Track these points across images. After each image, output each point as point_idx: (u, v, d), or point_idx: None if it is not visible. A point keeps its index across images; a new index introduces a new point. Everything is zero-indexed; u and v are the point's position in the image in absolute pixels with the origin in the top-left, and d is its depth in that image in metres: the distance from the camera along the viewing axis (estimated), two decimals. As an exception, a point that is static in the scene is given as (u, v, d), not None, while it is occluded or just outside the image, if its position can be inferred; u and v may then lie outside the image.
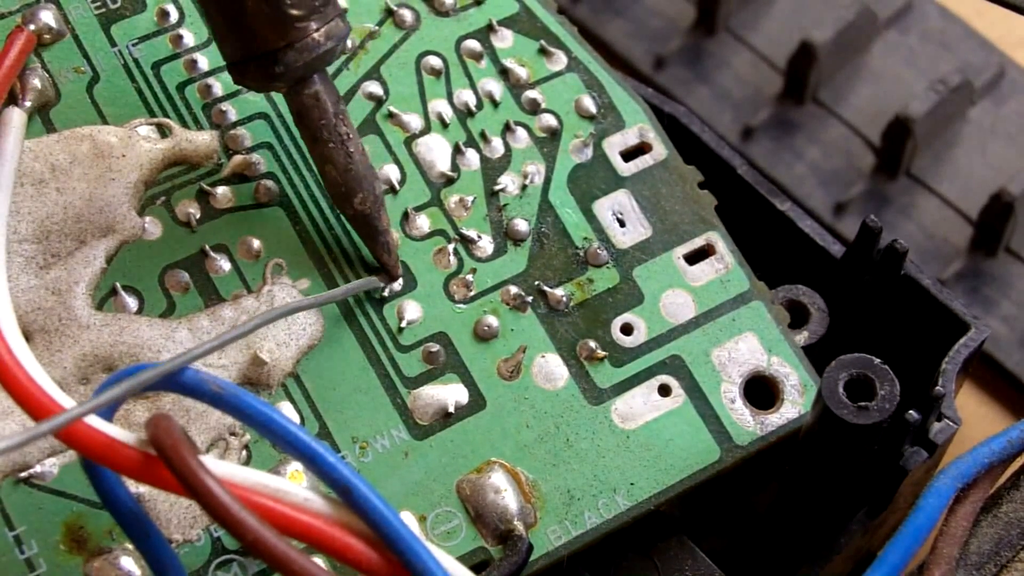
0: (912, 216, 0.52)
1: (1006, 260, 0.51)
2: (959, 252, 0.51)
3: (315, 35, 0.37)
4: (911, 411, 0.37)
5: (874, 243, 0.42)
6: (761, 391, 0.40)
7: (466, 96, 0.42)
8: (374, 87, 0.42)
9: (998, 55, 0.54)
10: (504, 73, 0.42)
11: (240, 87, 0.41)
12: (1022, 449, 0.36)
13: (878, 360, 0.37)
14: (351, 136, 0.38)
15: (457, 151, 0.41)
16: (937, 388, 0.39)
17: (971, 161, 0.52)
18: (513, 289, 0.40)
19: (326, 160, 0.38)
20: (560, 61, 0.43)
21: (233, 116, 0.41)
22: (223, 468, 0.31)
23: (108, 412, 0.32)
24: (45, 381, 0.32)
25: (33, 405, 0.32)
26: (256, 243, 0.39)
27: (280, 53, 0.37)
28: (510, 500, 0.37)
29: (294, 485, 0.31)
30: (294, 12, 0.36)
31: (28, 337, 0.37)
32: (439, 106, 0.42)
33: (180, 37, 0.41)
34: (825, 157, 0.52)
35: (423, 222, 0.40)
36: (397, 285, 0.39)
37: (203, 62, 0.41)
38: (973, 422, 0.49)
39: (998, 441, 0.36)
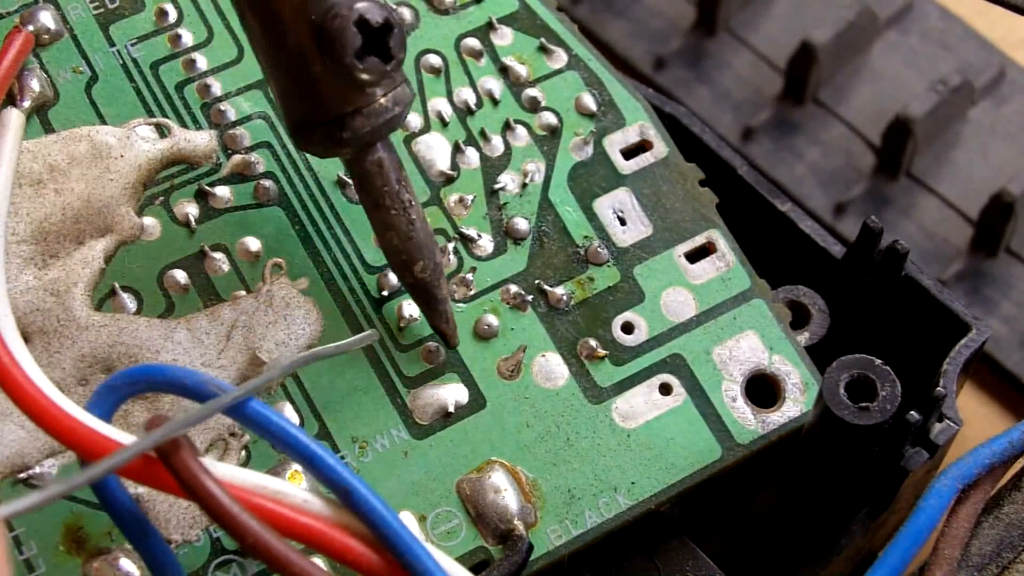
0: (912, 216, 0.52)
1: (1006, 260, 0.51)
2: (959, 252, 0.51)
3: (382, 100, 0.36)
4: (912, 412, 0.37)
5: (875, 244, 0.42)
6: (762, 389, 0.40)
7: (466, 94, 0.42)
8: (373, 86, 0.42)
9: (998, 55, 0.54)
10: (504, 71, 0.42)
11: (238, 90, 0.41)
12: (1023, 450, 0.36)
13: (879, 361, 0.37)
14: (413, 203, 0.37)
15: (457, 150, 0.41)
16: (938, 389, 0.39)
17: (971, 161, 0.52)
18: (513, 288, 0.40)
19: (388, 227, 0.37)
20: (560, 59, 0.43)
21: (232, 116, 0.41)
22: (222, 469, 0.31)
23: (107, 413, 0.32)
24: (44, 383, 0.32)
25: (32, 407, 0.32)
26: (255, 243, 0.39)
27: (348, 119, 0.36)
28: (510, 500, 0.37)
29: (293, 486, 0.31)
30: (364, 78, 0.35)
31: (27, 338, 0.37)
32: (439, 104, 0.42)
33: (179, 37, 0.41)
34: (825, 157, 0.52)
35: (423, 221, 0.40)
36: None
37: (202, 62, 0.41)
38: (974, 423, 0.49)
39: (999, 442, 0.36)
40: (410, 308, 0.39)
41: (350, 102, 0.36)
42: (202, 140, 0.40)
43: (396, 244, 0.37)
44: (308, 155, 0.40)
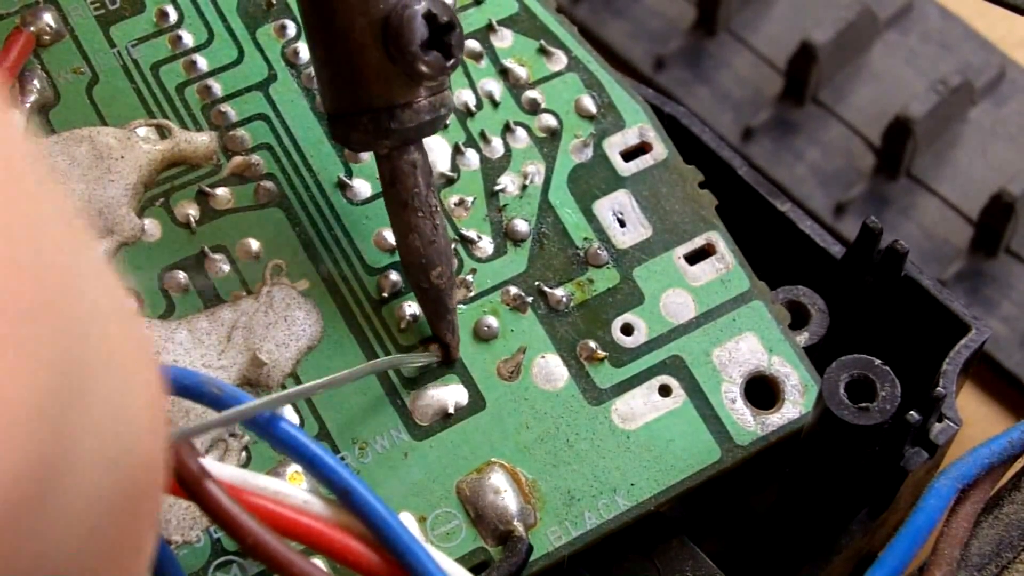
0: (912, 217, 0.52)
1: (1006, 261, 0.51)
2: (959, 253, 0.51)
3: (432, 99, 0.37)
4: (912, 412, 0.37)
5: (874, 244, 0.42)
6: (762, 391, 0.40)
7: (465, 96, 0.42)
8: (373, 87, 0.42)
9: (999, 56, 0.54)
10: (504, 73, 0.42)
11: (239, 92, 0.41)
12: (1023, 450, 0.36)
13: (879, 361, 0.37)
14: (438, 209, 0.38)
15: (456, 151, 0.41)
16: (938, 389, 0.39)
17: (971, 162, 0.52)
18: (513, 289, 0.40)
19: (412, 229, 0.38)
20: (560, 61, 0.43)
21: (233, 117, 0.41)
22: (222, 470, 0.31)
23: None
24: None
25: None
26: (256, 244, 0.39)
27: (397, 110, 0.36)
28: (510, 501, 0.37)
29: (294, 487, 0.31)
30: (424, 70, 0.36)
31: (27, 338, 0.37)
32: (439, 106, 0.42)
33: (179, 38, 0.41)
34: (825, 158, 0.52)
35: (423, 222, 0.40)
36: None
37: (202, 63, 0.41)
38: (974, 423, 0.49)
39: (999, 442, 0.36)
40: (410, 309, 0.39)
41: (403, 94, 0.36)
42: (203, 141, 0.40)
43: (418, 247, 0.38)
44: (309, 156, 0.40)
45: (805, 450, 0.39)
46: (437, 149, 0.41)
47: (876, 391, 0.36)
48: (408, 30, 0.35)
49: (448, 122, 0.41)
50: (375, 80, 0.36)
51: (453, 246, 0.40)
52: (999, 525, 0.37)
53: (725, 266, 0.41)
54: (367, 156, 0.41)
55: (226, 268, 0.39)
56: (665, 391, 0.39)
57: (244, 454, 0.37)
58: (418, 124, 0.37)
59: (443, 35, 0.36)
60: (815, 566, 0.40)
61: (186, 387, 0.31)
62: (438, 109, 0.37)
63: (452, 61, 0.36)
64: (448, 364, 0.39)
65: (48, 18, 0.41)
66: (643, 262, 0.41)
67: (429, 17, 0.36)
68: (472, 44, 0.42)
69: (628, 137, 0.42)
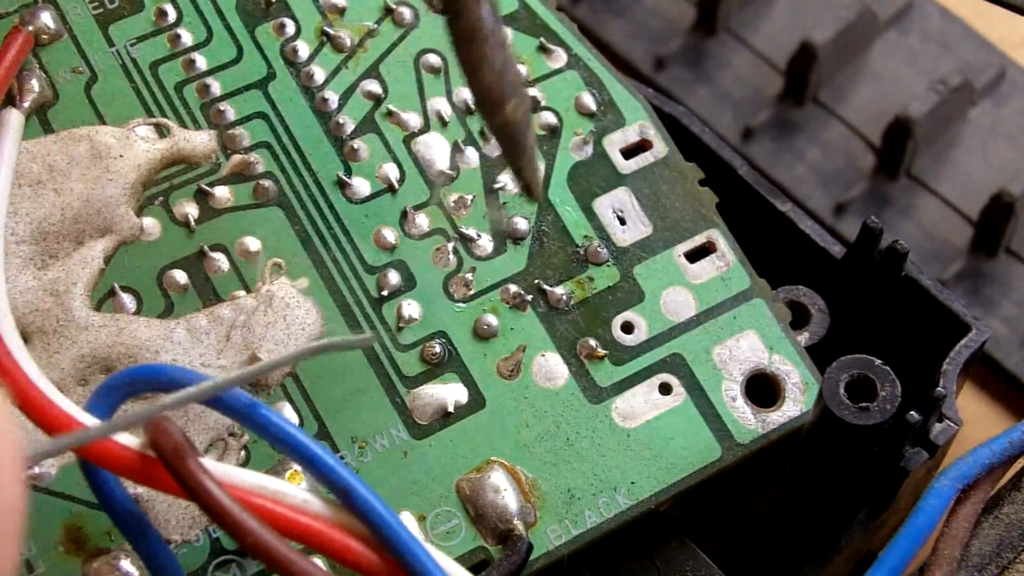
0: (912, 217, 0.52)
1: (1006, 261, 0.51)
2: (959, 253, 0.51)
3: None
4: (912, 412, 0.37)
5: (875, 244, 0.42)
6: (762, 389, 0.39)
7: (465, 94, 0.42)
8: (373, 85, 0.42)
9: (999, 56, 0.54)
10: (504, 71, 0.42)
11: (238, 90, 0.41)
12: (1023, 450, 0.36)
13: (879, 361, 0.37)
14: (506, 40, 0.35)
15: (456, 149, 0.41)
16: (938, 389, 0.39)
17: (971, 162, 0.52)
18: (513, 288, 0.40)
19: (482, 60, 0.35)
20: (560, 58, 0.43)
21: (232, 115, 0.41)
22: (222, 470, 0.31)
23: (106, 413, 0.32)
24: (43, 383, 0.32)
25: (32, 407, 0.32)
26: (255, 243, 0.39)
27: None
28: (510, 499, 0.37)
29: (293, 487, 0.31)
30: None
31: (26, 338, 0.37)
32: (438, 104, 0.42)
33: (178, 36, 0.41)
34: (825, 157, 0.52)
35: (422, 221, 0.40)
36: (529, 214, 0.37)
37: (201, 62, 0.41)
38: (974, 423, 0.49)
39: (999, 442, 0.36)
40: (409, 308, 0.39)
41: None
42: (201, 140, 0.40)
43: (490, 81, 0.35)
44: (308, 155, 0.40)
45: (805, 450, 0.39)
46: (436, 147, 0.41)
47: (876, 391, 0.36)
48: None
49: (447, 120, 0.41)
50: None
51: (452, 244, 0.40)
52: (999, 525, 0.37)
53: (725, 264, 0.41)
54: (366, 155, 0.41)
55: (225, 267, 0.39)
56: (665, 389, 0.39)
57: (243, 453, 0.37)
58: None
59: None
60: (815, 566, 0.40)
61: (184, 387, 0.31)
62: None
63: None
64: (533, 202, 0.37)
65: (46, 17, 0.41)
66: (643, 260, 0.41)
67: None
68: (472, 42, 0.42)
69: (628, 135, 0.42)
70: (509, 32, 0.43)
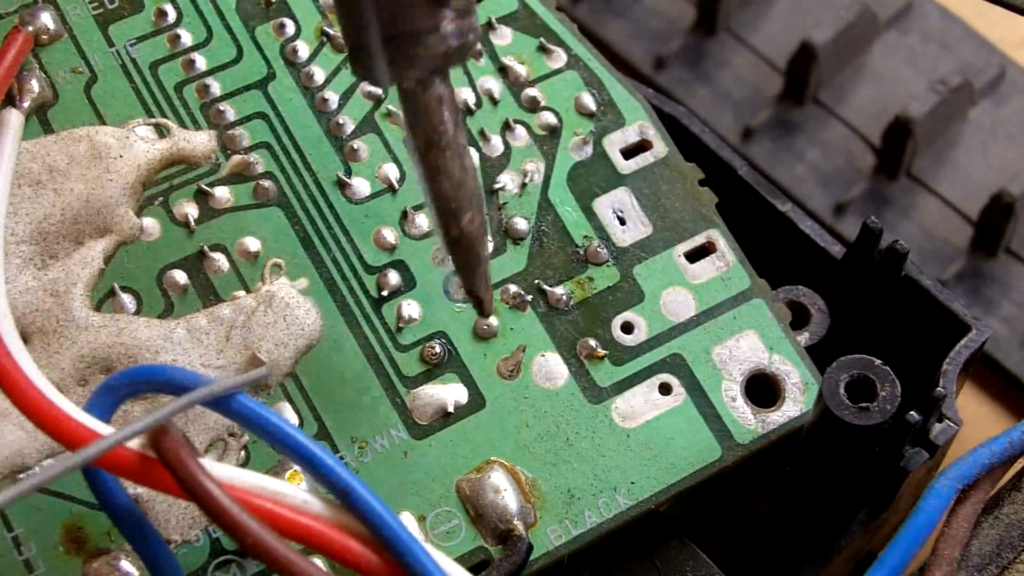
0: (912, 217, 0.52)
1: (1006, 261, 0.51)
2: (959, 253, 0.51)
3: (460, 24, 0.34)
4: (912, 412, 0.37)
5: (875, 244, 0.42)
6: (762, 389, 0.39)
7: (465, 94, 0.42)
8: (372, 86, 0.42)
9: (998, 56, 0.54)
10: (503, 71, 0.42)
11: (238, 90, 0.41)
12: (1023, 450, 0.36)
13: (879, 361, 0.37)
14: (467, 149, 0.35)
15: (456, 150, 0.41)
16: (938, 389, 0.39)
17: (971, 162, 0.52)
18: (513, 288, 0.40)
19: (440, 171, 0.35)
20: (560, 59, 0.43)
21: (231, 116, 0.41)
22: (222, 470, 0.31)
23: (106, 414, 0.32)
24: (43, 383, 0.32)
25: (31, 408, 0.32)
26: (255, 243, 0.39)
27: (425, 35, 0.33)
28: (510, 500, 0.37)
29: (293, 487, 0.31)
30: None
31: (26, 338, 0.37)
32: (438, 104, 0.42)
33: (178, 37, 0.41)
34: (825, 158, 0.52)
35: (422, 221, 0.40)
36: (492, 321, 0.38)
37: (201, 62, 0.41)
38: (974, 423, 0.49)
39: (999, 442, 0.36)
40: (409, 308, 0.39)
41: (429, 18, 0.33)
42: (201, 140, 0.40)
43: (446, 190, 0.35)
44: (308, 155, 0.40)
45: (805, 450, 0.39)
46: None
47: (876, 391, 0.36)
48: None
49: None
50: (400, 4, 0.33)
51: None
52: (999, 525, 0.37)
53: (725, 264, 0.41)
54: (366, 155, 0.41)
55: (225, 267, 0.39)
56: (665, 389, 0.39)
57: (243, 453, 0.37)
58: (445, 50, 0.34)
59: None
60: (815, 566, 0.40)
61: (185, 387, 0.31)
62: (466, 35, 0.34)
63: None
64: (484, 318, 0.37)
65: (46, 17, 0.41)
66: (643, 260, 0.41)
67: None
68: (472, 42, 0.42)
69: (628, 135, 0.42)
70: (509, 32, 0.43)
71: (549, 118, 0.42)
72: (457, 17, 0.34)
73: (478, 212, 0.35)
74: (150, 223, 0.39)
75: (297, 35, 0.42)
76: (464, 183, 0.35)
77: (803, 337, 0.41)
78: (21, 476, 0.36)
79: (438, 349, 0.39)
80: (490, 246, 0.36)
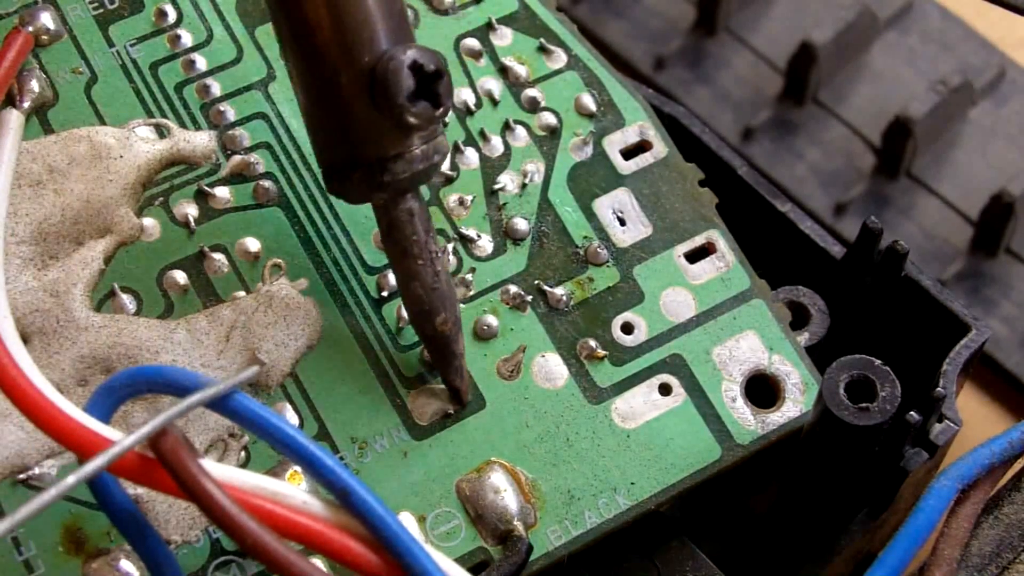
0: (912, 217, 0.52)
1: (1006, 261, 0.51)
2: (959, 253, 0.51)
3: (424, 147, 0.36)
4: (912, 412, 0.37)
5: (875, 244, 0.42)
6: (762, 390, 0.39)
7: (465, 95, 0.42)
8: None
9: (998, 56, 0.54)
10: (503, 71, 0.42)
11: (238, 91, 0.41)
12: (1023, 450, 0.36)
13: (879, 361, 0.37)
14: (439, 255, 0.37)
15: (456, 150, 0.41)
16: (938, 389, 0.39)
17: (971, 162, 0.52)
18: (513, 288, 0.40)
19: (413, 277, 0.37)
20: (560, 59, 0.43)
21: (231, 116, 0.41)
22: (222, 471, 0.31)
23: (106, 414, 0.32)
24: (43, 384, 0.32)
25: (31, 408, 0.32)
26: (255, 244, 0.39)
27: (389, 162, 0.36)
28: (510, 500, 0.37)
29: (293, 488, 0.31)
30: (413, 121, 0.35)
31: (26, 339, 0.37)
32: (438, 105, 0.42)
33: (178, 37, 0.41)
34: (825, 158, 0.52)
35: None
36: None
37: (201, 62, 0.41)
38: (974, 423, 0.49)
39: (999, 442, 0.36)
40: (409, 309, 0.39)
41: (394, 146, 0.36)
42: (201, 141, 0.40)
43: (420, 294, 0.37)
44: (308, 155, 0.40)
45: (805, 450, 0.39)
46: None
47: (876, 391, 0.36)
48: (394, 82, 0.35)
49: (447, 120, 0.41)
50: (365, 132, 0.36)
51: (452, 245, 0.40)
52: (999, 525, 0.37)
53: (725, 264, 0.41)
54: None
55: (225, 267, 0.39)
56: (665, 390, 0.39)
57: (243, 454, 0.37)
58: (411, 174, 0.36)
59: (431, 84, 0.35)
60: (815, 566, 0.40)
61: (186, 388, 0.31)
62: (431, 157, 0.36)
63: (441, 110, 0.35)
64: (460, 407, 0.38)
65: (46, 18, 0.41)
66: (643, 260, 0.41)
67: (415, 67, 0.35)
68: (472, 43, 0.42)
69: (628, 135, 0.42)
70: (509, 32, 0.43)
71: (549, 118, 0.42)
72: (423, 142, 0.36)
73: (451, 312, 0.37)
74: (150, 223, 0.39)
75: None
76: (437, 287, 0.37)
77: (803, 337, 0.41)
78: (21, 476, 0.36)
79: (438, 349, 0.39)
80: (463, 342, 0.38)
